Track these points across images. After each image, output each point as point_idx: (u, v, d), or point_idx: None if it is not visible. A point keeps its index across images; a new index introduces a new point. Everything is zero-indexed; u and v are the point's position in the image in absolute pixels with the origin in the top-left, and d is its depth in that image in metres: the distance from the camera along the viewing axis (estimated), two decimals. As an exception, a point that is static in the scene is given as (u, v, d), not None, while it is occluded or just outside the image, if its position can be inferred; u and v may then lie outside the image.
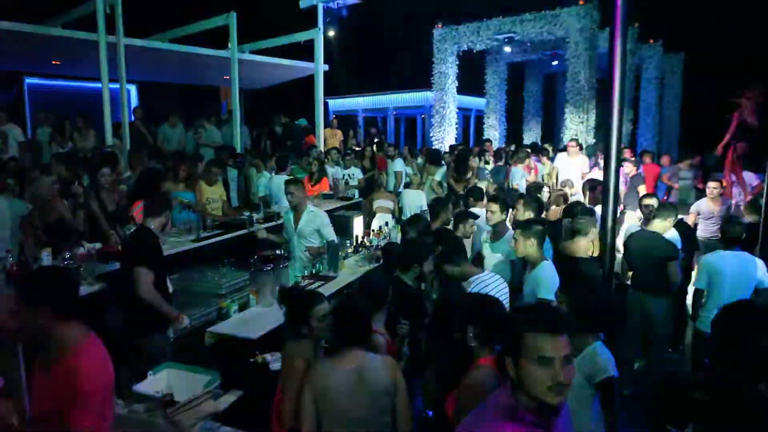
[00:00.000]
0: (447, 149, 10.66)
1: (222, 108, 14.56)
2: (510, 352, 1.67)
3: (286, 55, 12.20)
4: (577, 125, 10.73)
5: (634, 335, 4.68)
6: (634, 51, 12.46)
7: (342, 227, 6.50)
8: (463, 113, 17.29)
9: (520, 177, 8.18)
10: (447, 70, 12.92)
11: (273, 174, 7.71)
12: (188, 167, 6.44)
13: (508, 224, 4.92)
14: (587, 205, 5.65)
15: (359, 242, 5.88)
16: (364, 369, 2.40)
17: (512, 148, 10.41)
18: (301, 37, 11.30)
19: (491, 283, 3.59)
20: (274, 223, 6.03)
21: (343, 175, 8.66)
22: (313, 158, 8.52)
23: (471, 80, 14.25)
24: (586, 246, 4.29)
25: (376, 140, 12.36)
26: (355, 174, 8.84)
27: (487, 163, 9.29)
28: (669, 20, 14.63)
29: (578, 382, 2.36)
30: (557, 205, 5.96)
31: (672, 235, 4.77)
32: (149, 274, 3.56)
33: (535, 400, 1.59)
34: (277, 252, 4.70)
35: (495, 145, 12.14)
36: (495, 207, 4.74)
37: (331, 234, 5.07)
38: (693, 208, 6.72)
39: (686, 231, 5.53)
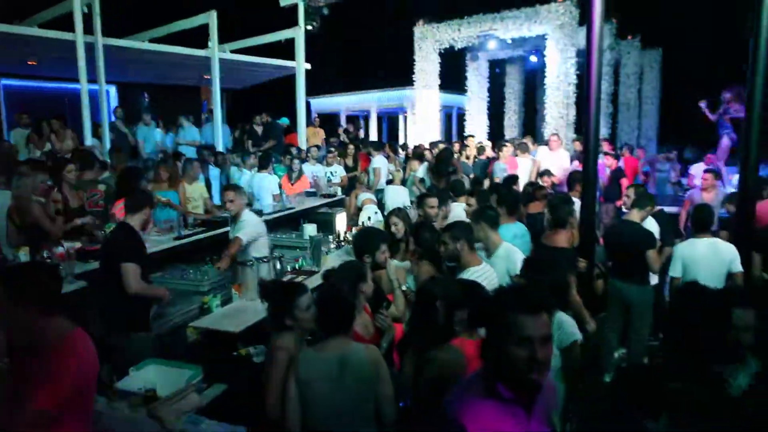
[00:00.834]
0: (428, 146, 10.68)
1: (203, 107, 14.46)
2: (490, 332, 1.72)
3: (268, 55, 12.14)
4: (557, 120, 10.84)
5: (614, 324, 4.74)
6: (613, 47, 12.61)
7: (325, 224, 6.54)
8: (446, 111, 17.34)
9: (501, 171, 8.24)
10: (428, 67, 12.96)
11: (254, 172, 7.70)
12: (167, 167, 6.40)
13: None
14: (567, 195, 5.68)
15: (341, 238, 5.90)
16: (348, 357, 2.42)
17: (493, 142, 10.45)
18: (282, 35, 11.29)
19: (483, 273, 3.54)
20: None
21: (326, 173, 8.65)
22: (292, 157, 8.52)
23: (453, 79, 14.32)
24: (566, 236, 4.35)
25: (350, 137, 12.29)
26: (338, 172, 8.84)
27: (467, 158, 9.34)
28: (647, 16, 14.90)
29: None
30: (538, 199, 6.01)
31: (650, 224, 4.86)
32: (137, 268, 3.56)
33: (514, 377, 1.62)
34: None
35: (476, 141, 12.19)
36: (473, 201, 4.79)
37: (245, 237, 4.51)
38: (687, 198, 6.99)
39: (666, 220, 5.61)
